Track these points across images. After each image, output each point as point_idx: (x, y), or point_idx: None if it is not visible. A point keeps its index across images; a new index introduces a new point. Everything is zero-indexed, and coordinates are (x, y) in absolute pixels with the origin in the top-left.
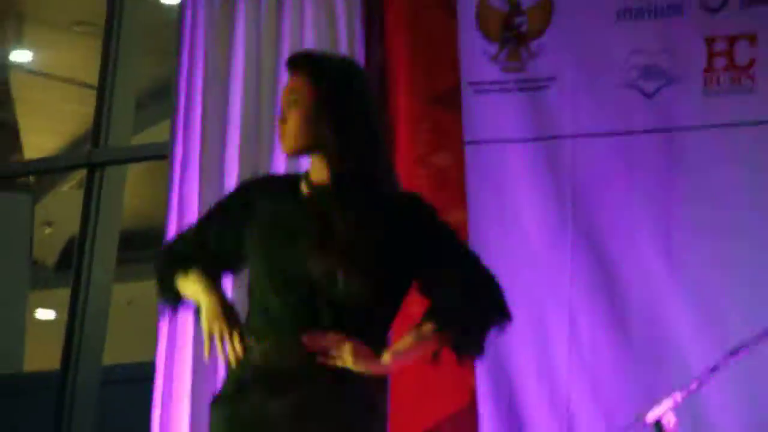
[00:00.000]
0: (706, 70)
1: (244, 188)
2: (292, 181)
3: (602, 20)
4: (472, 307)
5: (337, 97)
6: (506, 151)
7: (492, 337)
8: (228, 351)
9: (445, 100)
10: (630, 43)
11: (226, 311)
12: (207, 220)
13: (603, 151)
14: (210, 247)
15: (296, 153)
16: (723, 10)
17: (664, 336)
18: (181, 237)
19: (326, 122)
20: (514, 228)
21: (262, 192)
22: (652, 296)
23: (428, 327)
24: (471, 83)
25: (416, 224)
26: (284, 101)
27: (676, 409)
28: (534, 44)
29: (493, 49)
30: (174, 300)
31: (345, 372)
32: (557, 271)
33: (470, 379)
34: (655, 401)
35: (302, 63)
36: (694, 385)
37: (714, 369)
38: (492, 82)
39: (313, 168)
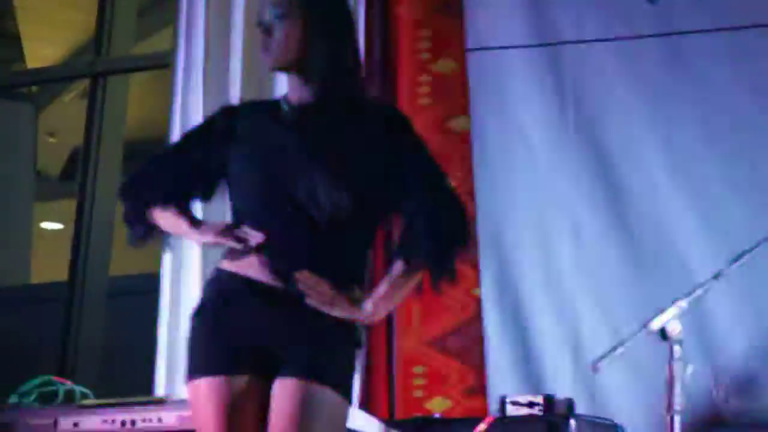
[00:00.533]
0: None
1: (222, 113)
2: (270, 103)
3: None
4: (442, 238)
5: (325, 15)
6: (509, 58)
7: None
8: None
9: (447, 7)
10: None
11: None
12: (185, 144)
13: (606, 57)
14: (186, 173)
15: (281, 66)
16: None
17: (668, 243)
18: (153, 164)
19: (314, 39)
20: (517, 134)
21: (241, 115)
22: (655, 203)
23: (401, 266)
24: None
25: (397, 141)
26: (267, 13)
27: (681, 316)
28: None
29: None
30: (145, 231)
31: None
32: (560, 178)
33: (475, 288)
34: (659, 309)
35: None
36: (698, 292)
37: (717, 275)
38: None
39: (292, 87)
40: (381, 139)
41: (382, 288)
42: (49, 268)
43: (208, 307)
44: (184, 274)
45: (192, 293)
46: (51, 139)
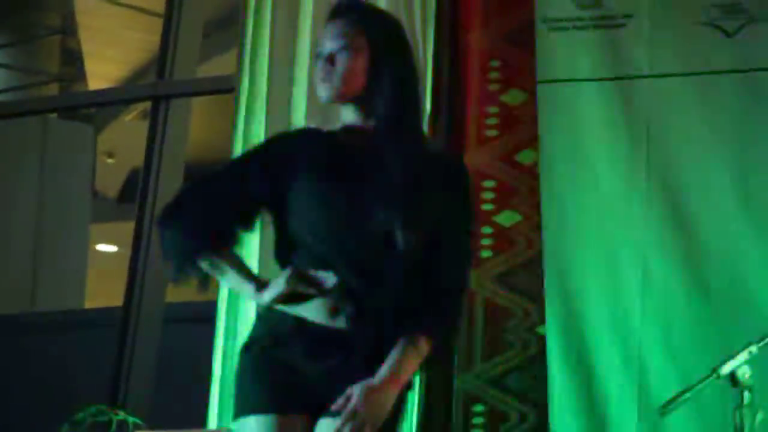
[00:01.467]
0: None
1: (280, 141)
2: (328, 134)
3: None
4: (446, 316)
5: (389, 51)
6: (580, 91)
7: None
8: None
9: (518, 37)
10: None
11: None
12: (239, 172)
13: (679, 92)
14: (240, 204)
15: (340, 98)
16: None
17: (741, 285)
18: (200, 199)
19: (376, 75)
20: (586, 170)
21: (299, 144)
22: (729, 244)
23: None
24: (546, 20)
25: (454, 194)
26: (330, 44)
27: (752, 361)
28: None
29: None
30: (201, 278)
31: (384, 345)
32: (631, 216)
33: (539, 326)
34: (730, 353)
35: (354, 11)
36: None
37: None
38: (567, 19)
39: (350, 119)
40: (440, 189)
41: (396, 364)
42: (103, 291)
43: (259, 345)
44: (242, 302)
45: (248, 322)
46: (109, 160)
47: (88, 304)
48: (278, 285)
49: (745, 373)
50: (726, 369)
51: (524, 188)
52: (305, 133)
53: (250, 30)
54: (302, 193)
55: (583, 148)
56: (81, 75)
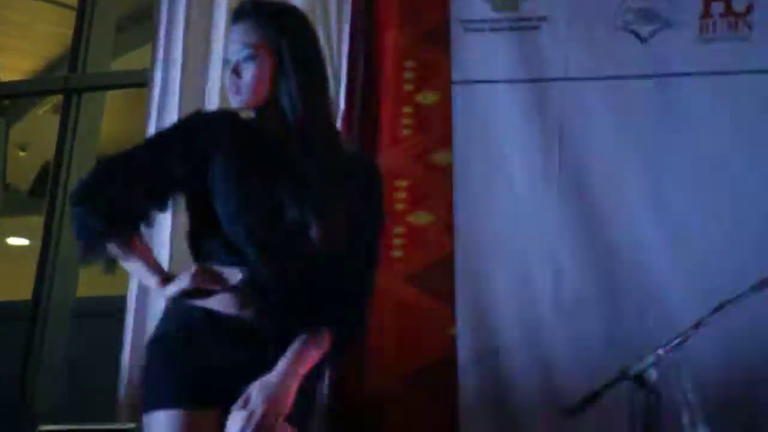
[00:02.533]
0: (702, 16)
1: (200, 122)
2: (248, 122)
3: None
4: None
5: (295, 55)
6: (495, 92)
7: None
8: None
9: (434, 38)
10: None
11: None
12: (158, 152)
13: (593, 95)
14: (156, 184)
15: (249, 106)
16: None
17: (649, 287)
18: (114, 177)
19: (286, 80)
20: (500, 171)
21: (222, 127)
22: (639, 246)
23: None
24: (461, 21)
25: (369, 200)
26: (235, 52)
27: (659, 364)
28: None
29: None
30: (108, 261)
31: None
32: (543, 217)
33: (450, 326)
34: (638, 355)
35: (257, 15)
36: (677, 341)
37: (698, 325)
38: (483, 21)
39: (262, 119)
40: (360, 195)
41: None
42: (14, 285)
43: (168, 338)
44: (152, 296)
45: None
46: (22, 153)
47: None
48: (182, 280)
49: (652, 376)
50: (634, 371)
51: (438, 189)
52: (224, 115)
53: (163, 24)
54: (219, 176)
55: (496, 149)
56: None
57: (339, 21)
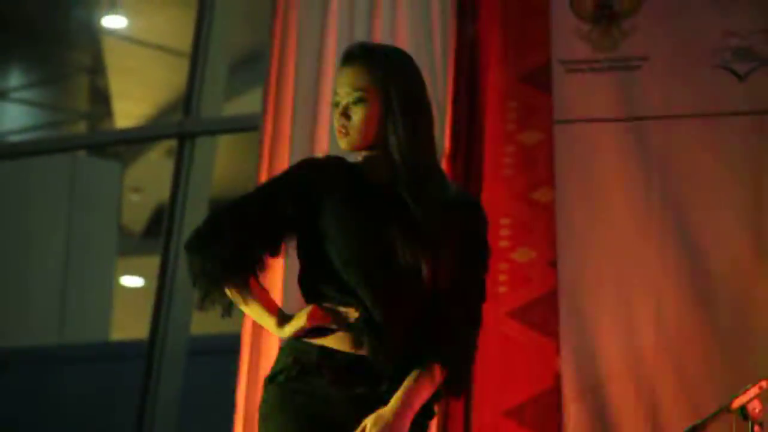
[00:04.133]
0: None
1: (304, 166)
2: (349, 163)
3: (695, 0)
4: (461, 348)
5: (401, 97)
6: (596, 131)
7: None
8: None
9: (536, 78)
10: (723, 24)
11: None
12: (270, 200)
13: (693, 134)
14: (270, 231)
15: (357, 148)
16: None
17: (751, 322)
18: (228, 224)
19: (394, 122)
20: (601, 209)
21: (329, 174)
22: (740, 283)
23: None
24: (562, 62)
25: (475, 238)
26: (345, 95)
27: (764, 396)
28: (626, 23)
29: (585, 27)
30: (226, 306)
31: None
32: (645, 255)
33: (555, 360)
34: (741, 388)
35: (366, 59)
36: None
37: None
38: (583, 61)
39: (370, 161)
40: (460, 230)
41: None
42: (129, 324)
43: (284, 374)
44: (265, 333)
45: (272, 355)
46: (136, 196)
47: (114, 336)
48: (299, 320)
49: (755, 407)
50: (737, 403)
51: (541, 225)
52: (332, 160)
53: (275, 68)
54: (332, 221)
55: (597, 186)
56: (108, 113)
57: (443, 61)
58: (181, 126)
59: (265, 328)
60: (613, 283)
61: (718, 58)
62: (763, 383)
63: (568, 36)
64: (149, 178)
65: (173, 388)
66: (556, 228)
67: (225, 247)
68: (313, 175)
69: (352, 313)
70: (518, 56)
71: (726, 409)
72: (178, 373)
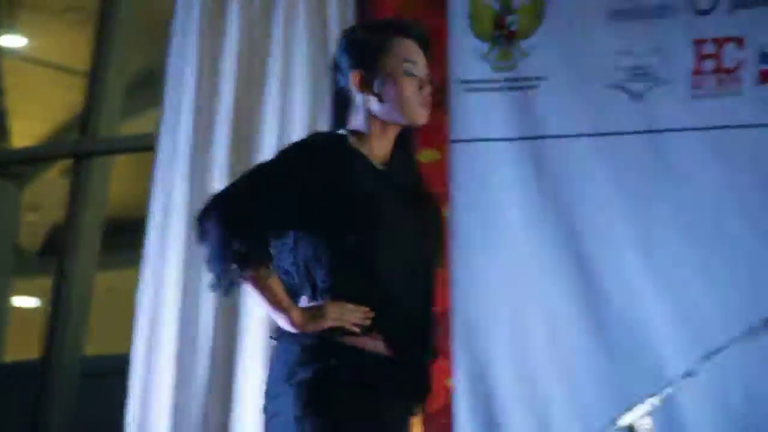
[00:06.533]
0: (694, 73)
1: (312, 155)
2: (352, 149)
3: (592, 21)
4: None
5: None
6: (492, 150)
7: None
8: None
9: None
10: (619, 44)
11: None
12: (294, 180)
13: (588, 152)
14: (290, 212)
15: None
16: (712, 13)
17: (642, 338)
18: (262, 195)
19: None
20: (496, 227)
21: (345, 159)
22: (632, 299)
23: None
24: (461, 81)
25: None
26: (423, 67)
27: (652, 413)
28: (524, 43)
29: (483, 47)
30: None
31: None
32: (538, 268)
33: (447, 379)
34: (630, 405)
35: (427, 50)
36: (668, 390)
37: (688, 374)
38: (482, 81)
39: (381, 142)
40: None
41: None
42: (23, 345)
43: (335, 375)
44: (156, 355)
45: (162, 377)
46: (32, 215)
47: (9, 358)
48: (323, 317)
49: (644, 424)
50: (626, 420)
51: None
52: (343, 148)
53: (171, 89)
54: (358, 213)
55: (493, 204)
56: (5, 133)
57: None
58: (77, 146)
59: (280, 319)
60: (508, 303)
61: (614, 78)
62: (653, 399)
63: (467, 56)
64: (46, 197)
65: (66, 408)
66: (450, 247)
67: (253, 230)
68: (339, 167)
69: (370, 313)
70: None
71: (613, 427)
72: (71, 393)
